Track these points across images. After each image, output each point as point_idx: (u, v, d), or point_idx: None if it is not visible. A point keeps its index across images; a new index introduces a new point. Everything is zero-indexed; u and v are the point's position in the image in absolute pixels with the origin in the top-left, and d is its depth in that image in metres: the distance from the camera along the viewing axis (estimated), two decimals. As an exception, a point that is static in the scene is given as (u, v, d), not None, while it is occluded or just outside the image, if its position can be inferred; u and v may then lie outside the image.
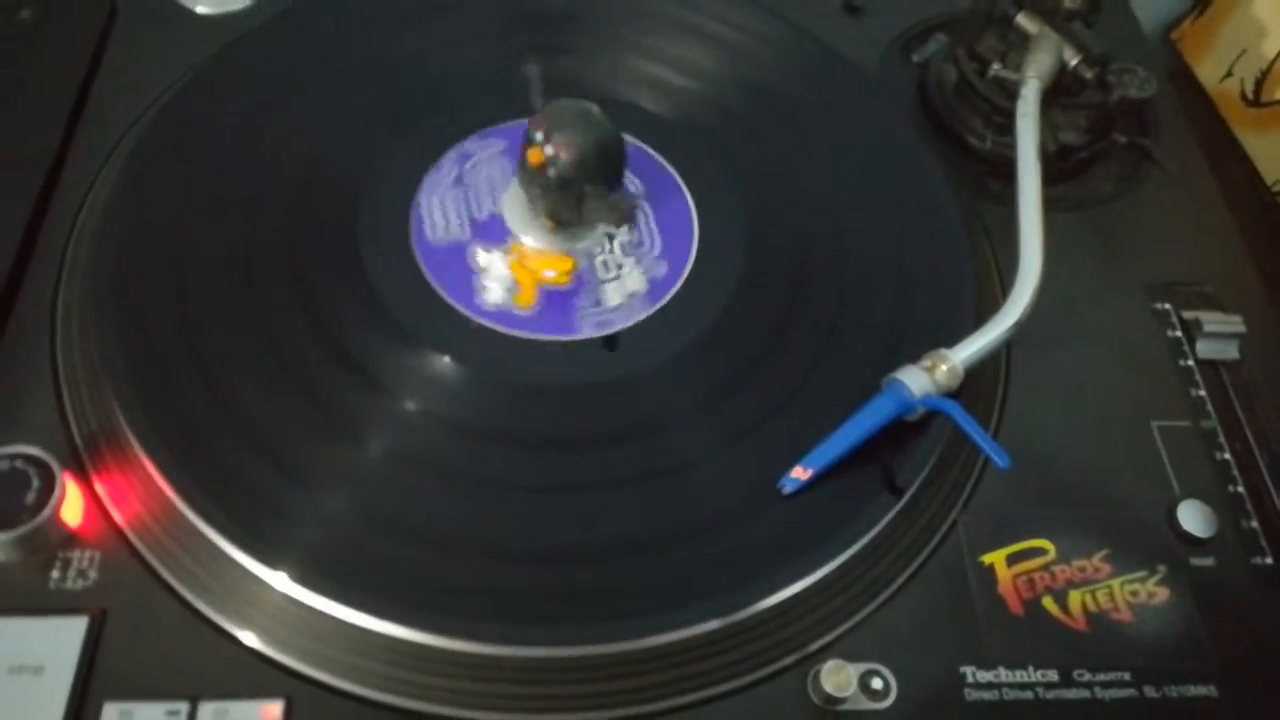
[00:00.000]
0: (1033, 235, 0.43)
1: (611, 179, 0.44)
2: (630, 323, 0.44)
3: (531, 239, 0.46)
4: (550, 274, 0.45)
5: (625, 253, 0.46)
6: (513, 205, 0.47)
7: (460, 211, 0.46)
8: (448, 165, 0.48)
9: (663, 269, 0.46)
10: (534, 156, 0.43)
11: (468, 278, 0.45)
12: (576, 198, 0.43)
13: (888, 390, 0.39)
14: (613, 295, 0.45)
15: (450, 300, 0.44)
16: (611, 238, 0.46)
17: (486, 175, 0.48)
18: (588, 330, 0.44)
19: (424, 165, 0.48)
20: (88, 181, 0.47)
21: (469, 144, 0.49)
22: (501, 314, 0.44)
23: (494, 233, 0.46)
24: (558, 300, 0.44)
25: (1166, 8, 0.73)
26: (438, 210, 0.46)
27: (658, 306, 0.44)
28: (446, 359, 0.42)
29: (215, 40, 0.52)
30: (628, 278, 0.45)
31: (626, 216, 0.45)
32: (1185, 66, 0.71)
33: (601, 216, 0.44)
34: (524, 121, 0.45)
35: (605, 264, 0.46)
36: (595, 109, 0.43)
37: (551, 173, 0.42)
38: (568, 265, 0.46)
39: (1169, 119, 0.56)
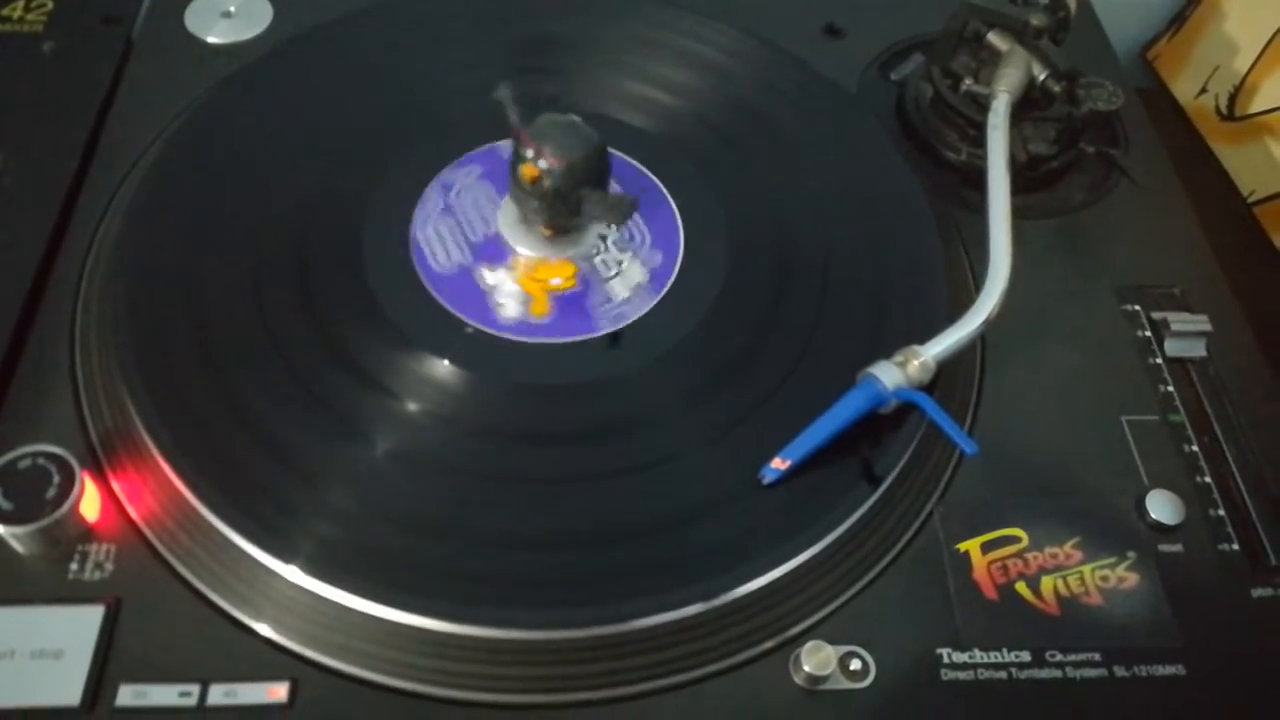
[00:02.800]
0: (1001, 237, 0.45)
1: (601, 181, 0.46)
2: (620, 324, 0.46)
3: (528, 249, 0.48)
4: (557, 281, 0.47)
5: (619, 250, 0.49)
6: (507, 221, 0.49)
7: (457, 237, 0.49)
8: (433, 196, 0.50)
9: (652, 274, 0.48)
10: (528, 172, 0.45)
11: (480, 298, 0.47)
12: (574, 203, 0.45)
13: (862, 384, 0.41)
14: (619, 290, 0.47)
15: (449, 305, 0.46)
16: (604, 238, 0.49)
17: (473, 199, 0.50)
18: (582, 332, 0.46)
19: (412, 198, 0.50)
20: (105, 200, 0.49)
21: (448, 173, 0.51)
22: (522, 326, 0.46)
23: (493, 251, 0.48)
24: (572, 302, 0.47)
25: (1143, 28, 0.76)
26: (435, 239, 0.48)
27: (646, 309, 0.46)
28: (445, 362, 0.44)
29: (228, 69, 0.54)
30: (627, 273, 0.48)
31: (626, 213, 0.47)
32: (1162, 84, 0.74)
33: (602, 216, 0.46)
34: (494, 145, 0.47)
35: (605, 263, 0.48)
36: (576, 119, 0.45)
37: (547, 184, 0.45)
38: (570, 270, 0.48)
39: (1139, 131, 0.58)
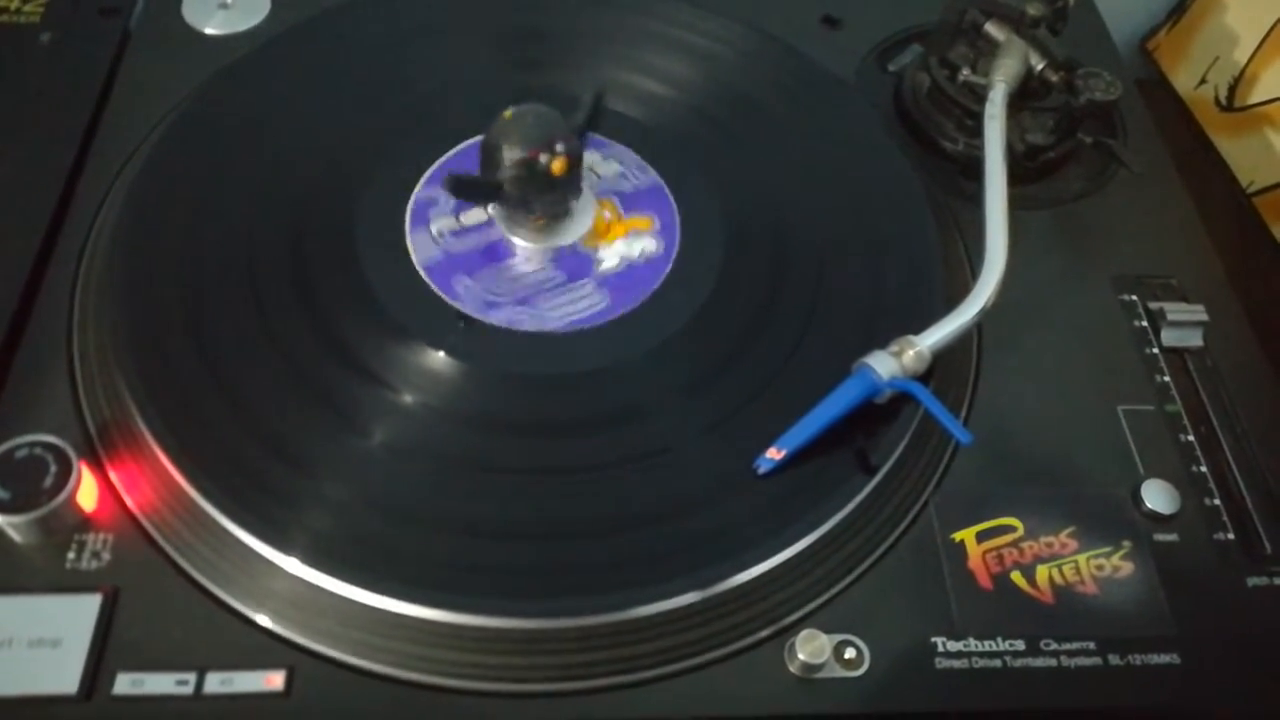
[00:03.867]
0: (998, 227, 0.45)
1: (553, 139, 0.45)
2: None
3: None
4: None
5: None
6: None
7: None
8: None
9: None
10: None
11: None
12: (554, 195, 0.46)
13: (857, 373, 0.41)
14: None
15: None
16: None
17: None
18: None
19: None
20: (102, 192, 0.49)
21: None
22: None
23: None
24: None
25: (1142, 19, 0.76)
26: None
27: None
28: (441, 354, 0.44)
29: (224, 60, 0.54)
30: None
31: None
32: (1161, 75, 0.73)
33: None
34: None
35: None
36: (528, 109, 0.45)
37: (518, 187, 0.45)
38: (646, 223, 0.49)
39: (1137, 122, 0.58)
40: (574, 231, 0.48)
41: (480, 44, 0.56)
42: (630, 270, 0.48)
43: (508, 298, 0.46)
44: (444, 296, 0.46)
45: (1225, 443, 0.46)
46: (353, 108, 0.53)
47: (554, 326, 0.45)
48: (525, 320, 0.46)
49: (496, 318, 0.46)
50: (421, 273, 0.47)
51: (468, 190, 0.46)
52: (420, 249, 0.48)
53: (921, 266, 0.48)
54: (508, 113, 0.45)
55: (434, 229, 0.48)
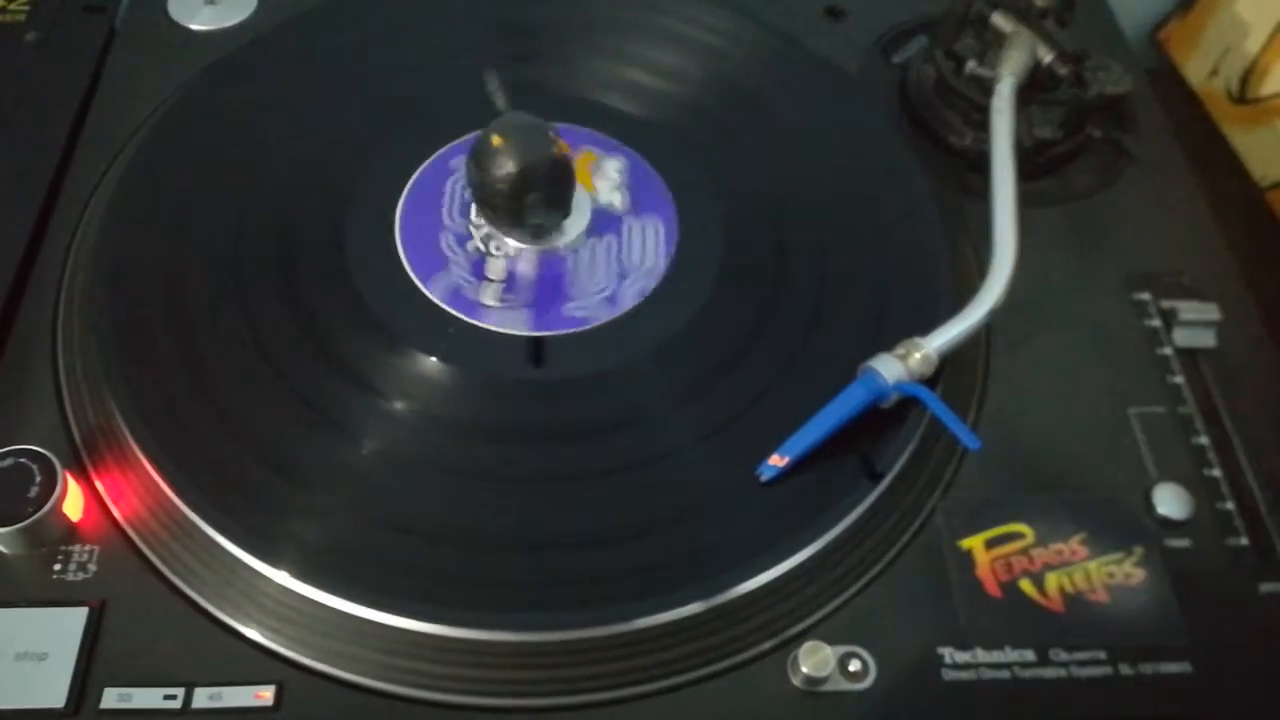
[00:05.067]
0: (1006, 225, 0.44)
1: (555, 192, 0.45)
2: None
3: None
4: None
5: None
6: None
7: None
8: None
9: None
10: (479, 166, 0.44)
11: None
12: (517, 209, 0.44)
13: (862, 377, 0.40)
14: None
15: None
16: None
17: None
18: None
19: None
20: (87, 194, 0.49)
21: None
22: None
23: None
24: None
25: (1153, 8, 0.74)
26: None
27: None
28: (433, 359, 0.43)
29: (212, 55, 0.53)
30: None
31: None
32: (1172, 65, 0.72)
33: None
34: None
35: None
36: (541, 124, 0.43)
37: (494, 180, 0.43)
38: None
39: (1149, 114, 0.57)
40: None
41: (472, 39, 0.55)
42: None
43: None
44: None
45: (1238, 445, 0.44)
46: (342, 103, 0.52)
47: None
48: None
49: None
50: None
51: None
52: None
53: (928, 265, 0.47)
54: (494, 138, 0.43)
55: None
